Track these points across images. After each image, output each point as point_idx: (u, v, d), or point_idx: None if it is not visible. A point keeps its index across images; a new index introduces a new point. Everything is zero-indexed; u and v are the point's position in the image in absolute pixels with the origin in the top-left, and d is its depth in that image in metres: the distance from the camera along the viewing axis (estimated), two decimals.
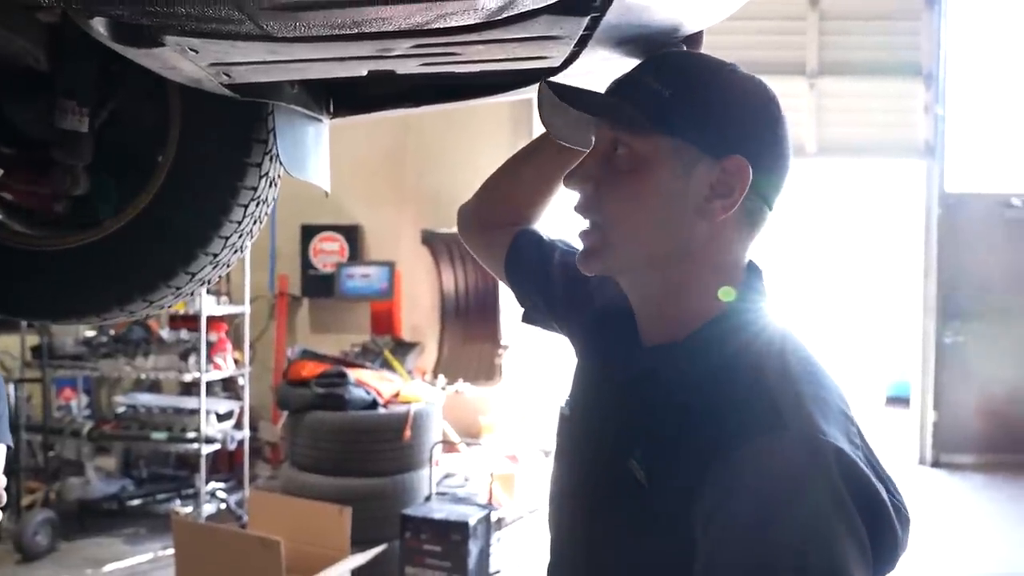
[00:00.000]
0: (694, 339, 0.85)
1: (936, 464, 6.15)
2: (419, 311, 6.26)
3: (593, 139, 0.91)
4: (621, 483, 0.83)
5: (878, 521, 0.73)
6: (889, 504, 0.75)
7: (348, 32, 0.86)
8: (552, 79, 0.91)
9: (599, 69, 1.10)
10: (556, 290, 1.11)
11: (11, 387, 4.69)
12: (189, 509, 4.84)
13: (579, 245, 0.91)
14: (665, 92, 0.84)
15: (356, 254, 6.33)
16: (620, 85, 0.90)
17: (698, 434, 0.78)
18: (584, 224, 0.90)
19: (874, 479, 0.75)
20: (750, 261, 0.90)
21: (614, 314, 0.96)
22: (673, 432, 0.81)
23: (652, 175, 0.84)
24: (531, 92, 1.26)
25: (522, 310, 1.20)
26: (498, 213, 1.23)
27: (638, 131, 0.85)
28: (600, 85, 1.15)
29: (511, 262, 1.18)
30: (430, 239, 6.15)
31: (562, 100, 0.89)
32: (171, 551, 3.64)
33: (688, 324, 0.86)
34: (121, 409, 4.91)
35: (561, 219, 1.27)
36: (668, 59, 0.92)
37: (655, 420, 0.84)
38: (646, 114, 0.84)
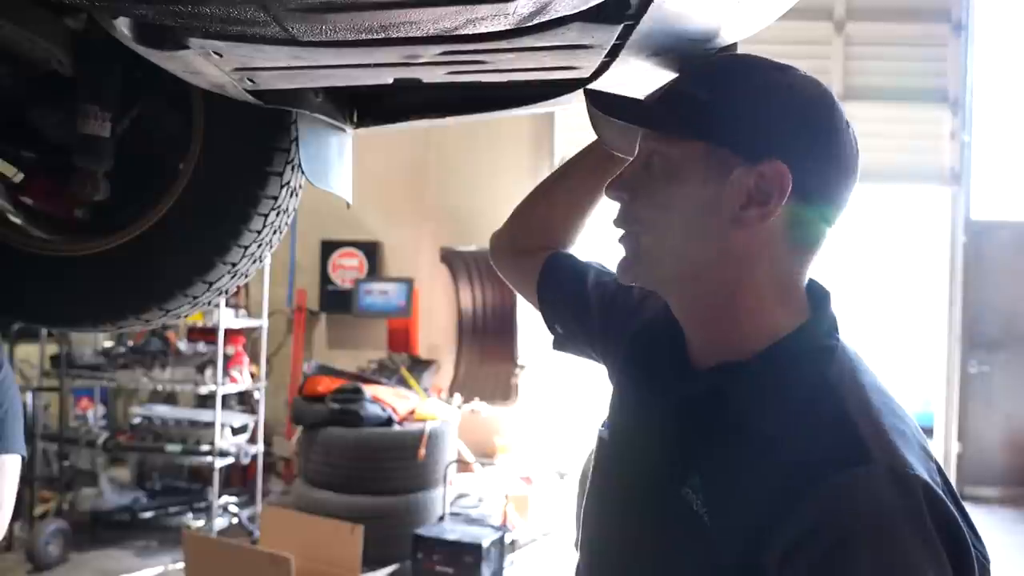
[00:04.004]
0: (762, 360, 0.79)
1: (961, 497, 6.00)
2: (436, 329, 6.24)
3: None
4: (673, 511, 0.79)
5: (961, 565, 0.69)
6: (972, 548, 0.70)
7: (375, 37, 0.84)
8: (590, 88, 0.87)
9: (630, 81, 1.08)
10: (592, 313, 1.07)
11: (29, 396, 4.71)
12: (201, 523, 4.81)
13: (618, 256, 0.88)
14: (702, 95, 0.81)
15: (375, 270, 6.34)
16: (662, 92, 0.87)
17: (771, 462, 0.73)
18: (621, 233, 0.87)
19: (960, 519, 0.70)
20: (816, 283, 0.86)
21: (658, 335, 0.92)
22: (738, 458, 0.75)
23: (684, 181, 0.81)
24: (557, 105, 1.23)
25: (552, 336, 1.15)
26: (531, 237, 1.19)
27: (671, 136, 0.82)
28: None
29: (544, 286, 1.14)
30: (449, 257, 6.14)
31: (598, 108, 0.86)
32: (181, 565, 3.62)
33: (749, 345, 0.80)
34: (137, 420, 4.91)
35: (596, 242, 1.24)
36: (712, 62, 0.89)
37: (715, 444, 0.79)
38: (678, 118, 0.81)
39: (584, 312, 1.08)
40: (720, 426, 0.79)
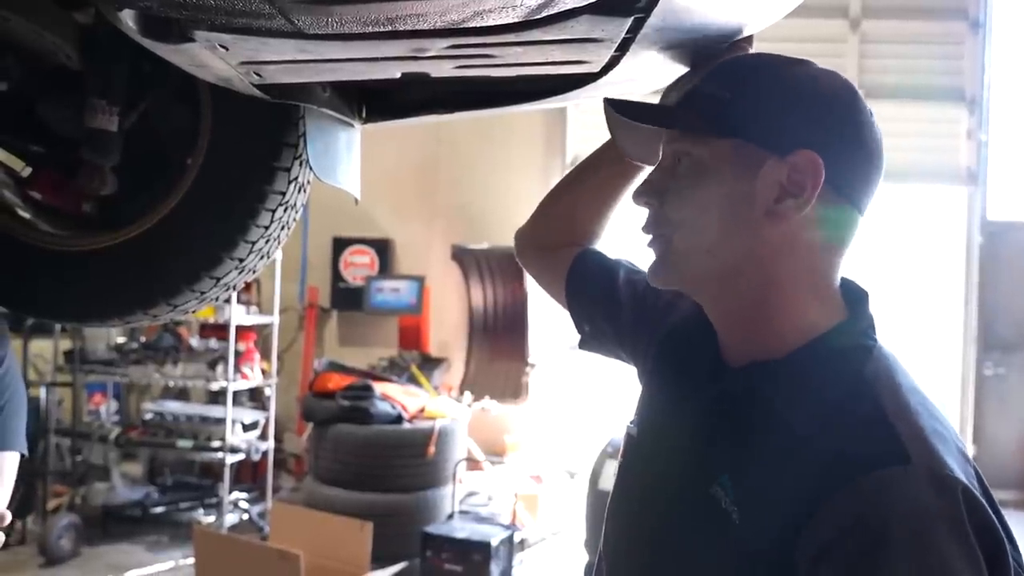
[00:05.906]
0: (798, 358, 0.78)
1: None
2: (447, 327, 6.23)
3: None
4: (702, 508, 0.77)
5: (997, 571, 0.67)
6: (1011, 557, 0.69)
7: (381, 30, 0.83)
8: (609, 96, 0.86)
9: (641, 76, 1.06)
10: (624, 311, 1.05)
11: (42, 391, 4.74)
12: (212, 518, 4.83)
13: (648, 259, 0.87)
14: (725, 94, 0.81)
15: (386, 268, 6.34)
16: (684, 95, 0.86)
17: (804, 459, 0.71)
18: (650, 238, 0.86)
19: (998, 525, 0.69)
20: (854, 283, 0.85)
21: (690, 334, 0.91)
22: (770, 455, 0.74)
23: (715, 179, 0.80)
24: (567, 101, 1.22)
25: (578, 335, 1.13)
26: (556, 234, 1.17)
27: (697, 136, 0.82)
28: (642, 94, 1.11)
29: (572, 284, 1.12)
30: (460, 255, 6.13)
31: (620, 114, 0.85)
32: (192, 560, 3.63)
33: (783, 343, 0.79)
34: (149, 416, 4.93)
35: (620, 239, 1.22)
36: (733, 62, 0.88)
37: (746, 442, 0.77)
38: (703, 118, 0.81)
39: (615, 311, 1.06)
40: (752, 424, 0.78)
